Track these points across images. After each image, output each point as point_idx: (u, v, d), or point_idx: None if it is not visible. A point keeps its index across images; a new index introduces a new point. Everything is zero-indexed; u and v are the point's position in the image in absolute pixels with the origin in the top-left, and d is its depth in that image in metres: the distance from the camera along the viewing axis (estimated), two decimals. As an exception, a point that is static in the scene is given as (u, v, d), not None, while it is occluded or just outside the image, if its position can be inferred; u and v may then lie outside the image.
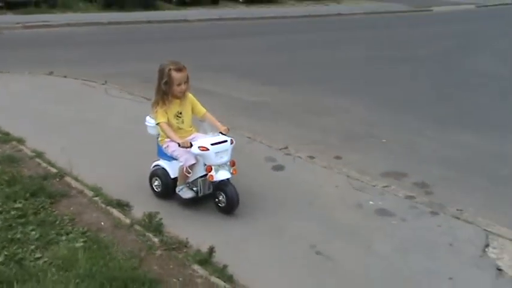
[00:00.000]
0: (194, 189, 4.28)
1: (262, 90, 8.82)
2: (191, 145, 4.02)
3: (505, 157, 5.88)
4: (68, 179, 4.72)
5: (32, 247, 3.50)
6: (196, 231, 3.92)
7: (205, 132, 4.19)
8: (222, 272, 3.38)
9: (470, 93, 8.93)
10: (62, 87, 8.38)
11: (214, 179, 4.07)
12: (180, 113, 4.28)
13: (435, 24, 18.32)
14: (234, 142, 4.18)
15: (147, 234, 3.81)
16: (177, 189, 4.30)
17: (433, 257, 3.71)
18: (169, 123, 4.20)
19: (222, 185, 4.13)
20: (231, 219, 4.13)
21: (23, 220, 3.84)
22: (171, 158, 4.32)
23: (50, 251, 3.47)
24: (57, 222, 3.87)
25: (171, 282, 3.26)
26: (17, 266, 3.26)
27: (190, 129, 4.37)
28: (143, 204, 4.26)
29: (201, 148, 4.00)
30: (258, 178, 4.93)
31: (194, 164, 4.13)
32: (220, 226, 4.05)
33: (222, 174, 4.07)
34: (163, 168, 4.40)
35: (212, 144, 4.02)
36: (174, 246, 3.66)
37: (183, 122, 4.30)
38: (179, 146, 4.06)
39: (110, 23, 16.93)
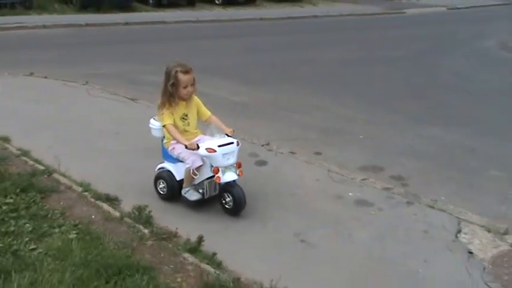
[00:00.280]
0: (200, 191, 4.26)
1: (241, 89, 9.00)
2: (198, 147, 4.02)
3: (473, 150, 6.18)
4: (56, 175, 4.82)
5: (26, 239, 3.61)
6: (184, 222, 4.07)
7: (212, 134, 4.18)
8: (212, 259, 3.55)
9: (441, 92, 9.25)
10: (43, 88, 8.43)
11: (221, 181, 4.06)
12: (186, 115, 4.28)
13: (408, 26, 18.78)
14: (240, 144, 4.21)
15: (137, 226, 3.95)
16: (182, 192, 4.29)
17: (409, 243, 3.95)
18: (175, 125, 4.20)
19: (228, 187, 4.13)
20: (217, 211, 4.28)
21: (15, 214, 3.94)
22: (176, 160, 4.31)
23: (44, 242, 3.59)
24: (49, 215, 3.99)
25: (163, 269, 3.41)
26: (13, 257, 3.36)
27: (196, 131, 4.38)
28: (131, 199, 4.38)
29: (208, 150, 4.00)
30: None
31: (201, 165, 4.12)
32: (207, 217, 4.21)
33: (228, 176, 4.07)
34: (168, 170, 4.38)
35: (219, 146, 4.02)
36: (164, 237, 3.81)
37: (189, 124, 4.30)
38: (186, 148, 4.04)
39: (87, 25, 16.91)
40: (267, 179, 5.04)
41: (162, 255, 3.60)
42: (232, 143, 4.12)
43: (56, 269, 3.22)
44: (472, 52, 13.36)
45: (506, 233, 4.11)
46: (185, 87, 4.15)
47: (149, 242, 3.75)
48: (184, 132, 4.25)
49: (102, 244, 3.59)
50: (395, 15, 22.79)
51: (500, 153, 6.05)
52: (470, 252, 3.82)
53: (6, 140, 5.74)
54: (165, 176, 4.40)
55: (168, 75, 4.16)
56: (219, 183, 4.13)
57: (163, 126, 4.21)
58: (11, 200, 4.13)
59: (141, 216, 4.07)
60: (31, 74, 9.20)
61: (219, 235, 3.94)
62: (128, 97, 7.87)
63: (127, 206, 4.28)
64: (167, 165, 4.42)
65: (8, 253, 3.41)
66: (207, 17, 20.23)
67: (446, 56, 12.75)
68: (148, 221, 4.01)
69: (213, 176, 4.13)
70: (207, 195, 4.27)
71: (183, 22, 18.72)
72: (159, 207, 4.30)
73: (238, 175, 4.14)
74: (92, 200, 4.37)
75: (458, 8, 24.37)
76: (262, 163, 5.45)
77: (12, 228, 3.73)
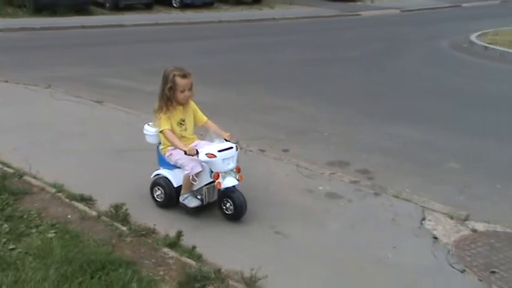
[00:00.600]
0: (199, 197, 4.21)
1: (204, 90, 8.95)
2: (197, 152, 3.97)
3: (430, 144, 6.48)
4: (27, 177, 4.79)
5: (4, 240, 3.61)
6: (161, 219, 4.16)
7: (211, 140, 4.14)
8: (192, 253, 3.65)
9: (398, 91, 9.59)
10: (4, 92, 8.29)
11: (222, 186, 4.01)
12: (183, 120, 4.24)
13: (364, 28, 19.28)
14: (239, 148, 4.19)
15: (115, 224, 4.00)
16: (181, 198, 4.23)
17: (378, 231, 4.17)
18: (172, 131, 4.16)
19: (229, 192, 4.08)
20: (193, 207, 4.38)
21: (-11, 216, 3.92)
22: (173, 166, 4.24)
23: (23, 242, 3.61)
24: (25, 216, 3.99)
25: (145, 264, 3.49)
26: (-8, 258, 3.37)
27: (193, 136, 4.34)
28: (106, 198, 4.40)
29: (208, 155, 3.95)
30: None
31: (200, 171, 4.08)
32: (184, 214, 4.29)
33: (229, 181, 4.02)
34: (165, 177, 4.29)
35: (219, 151, 3.98)
36: (143, 233, 3.88)
37: (186, 130, 4.26)
38: (185, 153, 3.99)
39: (42, 28, 16.62)
40: (239, 175, 5.15)
41: (143, 250, 3.67)
42: (231, 147, 4.08)
43: (38, 267, 3.25)
44: (426, 52, 13.87)
45: (466, 219, 4.39)
46: (183, 91, 4.11)
47: (128, 239, 3.81)
48: (181, 137, 4.19)
49: (82, 242, 3.63)
50: (351, 17, 23.34)
51: (456, 147, 6.39)
52: (435, 238, 4.06)
53: (-30, 144, 5.65)
54: (161, 182, 4.31)
55: (165, 79, 4.11)
56: (220, 189, 4.08)
57: (161, 131, 4.14)
58: (-16, 203, 4.11)
59: (118, 214, 4.11)
60: (-10, 78, 9.02)
61: (197, 230, 4.04)
62: (93, 100, 7.82)
63: (102, 205, 4.32)
64: (164, 171, 4.33)
65: (-13, 254, 3.41)
66: (165, 19, 20.20)
67: (402, 56, 13.19)
68: (125, 219, 4.07)
69: (212, 182, 4.10)
70: (206, 201, 4.22)
71: (141, 25, 18.65)
72: (135, 205, 4.32)
73: (238, 180, 4.09)
74: (67, 200, 4.37)
75: (410, 10, 25.18)
76: (232, 161, 5.56)
77: (-12, 230, 3.71)
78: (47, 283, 3.07)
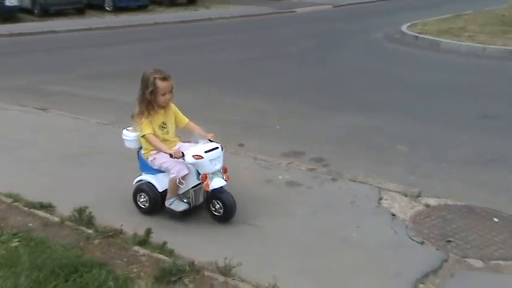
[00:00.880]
0: (185, 200, 4.13)
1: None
2: (183, 155, 3.91)
3: (378, 130, 6.77)
4: (-21, 189, 4.62)
5: (-35, 253, 3.48)
6: (127, 219, 4.13)
7: (196, 141, 4.08)
8: (163, 249, 3.66)
9: (340, 83, 9.90)
10: None
11: (210, 188, 3.95)
12: (165, 124, 4.15)
13: (299, 24, 19.63)
14: (225, 148, 4.15)
15: (80, 227, 3.95)
16: (166, 203, 4.12)
17: (340, 213, 4.35)
18: (155, 134, 4.06)
19: (217, 193, 4.02)
20: (157, 205, 4.37)
21: None
22: (156, 171, 4.15)
23: (-14, 254, 3.49)
24: (-17, 228, 3.85)
25: (117, 263, 3.47)
26: (-44, 271, 3.24)
27: (175, 139, 4.26)
28: (66, 203, 4.31)
29: (195, 156, 3.88)
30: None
31: (187, 174, 4.00)
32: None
33: (217, 182, 3.97)
34: (149, 182, 4.17)
35: (206, 152, 3.93)
36: (110, 234, 3.85)
37: (168, 133, 4.17)
38: (171, 156, 3.90)
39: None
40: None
41: (113, 251, 3.65)
42: (217, 147, 4.04)
43: (7, 276, 3.17)
44: (362, 45, 14.33)
45: (419, 195, 4.66)
46: (164, 94, 4.02)
47: (96, 241, 3.77)
48: (163, 141, 4.10)
49: (49, 247, 3.56)
50: (286, 14, 23.68)
51: (403, 131, 6.71)
52: (393, 215, 4.30)
53: None
54: (145, 188, 4.18)
55: (145, 82, 4.01)
56: (208, 191, 4.02)
57: (143, 136, 4.05)
58: None
59: (82, 218, 4.06)
60: None
61: (165, 227, 4.06)
62: (37, 107, 7.60)
63: (64, 210, 4.24)
64: (147, 177, 4.21)
65: (-50, 268, 3.28)
66: (99, 24, 19.71)
67: (339, 50, 13.58)
68: (90, 222, 4.03)
69: (199, 184, 4.06)
70: (193, 204, 4.16)
71: (74, 30, 18.10)
72: (97, 208, 4.25)
73: (225, 180, 4.05)
74: (25, 209, 4.26)
75: (342, 6, 25.89)
76: (190, 158, 5.58)
77: None
78: (20, 290, 3.01)
